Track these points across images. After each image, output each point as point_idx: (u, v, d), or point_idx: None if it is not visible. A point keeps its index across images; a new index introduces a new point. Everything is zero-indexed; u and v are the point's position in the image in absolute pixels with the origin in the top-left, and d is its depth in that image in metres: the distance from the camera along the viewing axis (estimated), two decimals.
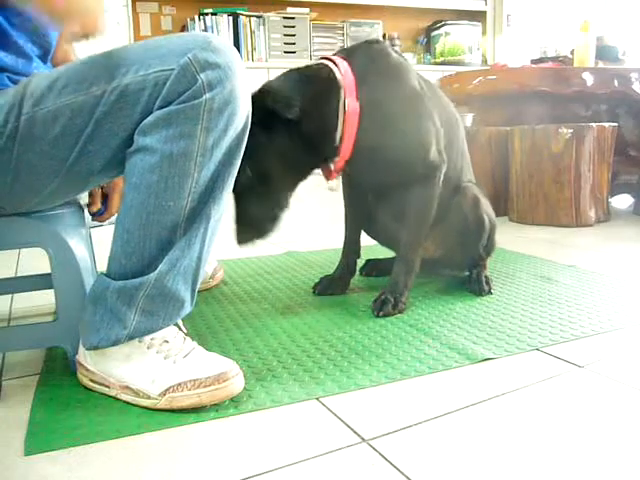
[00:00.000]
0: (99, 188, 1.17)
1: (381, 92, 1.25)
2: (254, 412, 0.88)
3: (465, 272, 1.56)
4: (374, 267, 1.68)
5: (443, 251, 1.52)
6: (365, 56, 1.27)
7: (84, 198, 1.19)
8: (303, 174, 1.28)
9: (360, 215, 1.53)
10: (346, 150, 1.25)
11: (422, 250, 1.52)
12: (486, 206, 1.49)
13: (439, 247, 1.53)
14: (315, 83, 1.22)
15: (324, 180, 1.36)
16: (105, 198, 1.19)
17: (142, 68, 0.83)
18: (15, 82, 0.94)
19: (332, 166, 1.30)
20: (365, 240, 1.56)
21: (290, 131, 1.18)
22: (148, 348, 0.91)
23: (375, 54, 1.29)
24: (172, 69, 0.82)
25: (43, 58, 1.06)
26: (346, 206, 1.52)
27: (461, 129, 1.51)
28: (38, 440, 0.80)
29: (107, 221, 1.20)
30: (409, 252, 1.36)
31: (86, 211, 1.18)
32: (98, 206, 1.17)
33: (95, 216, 1.19)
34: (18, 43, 0.96)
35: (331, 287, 1.49)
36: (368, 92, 1.23)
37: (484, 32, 5.13)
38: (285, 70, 1.26)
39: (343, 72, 1.22)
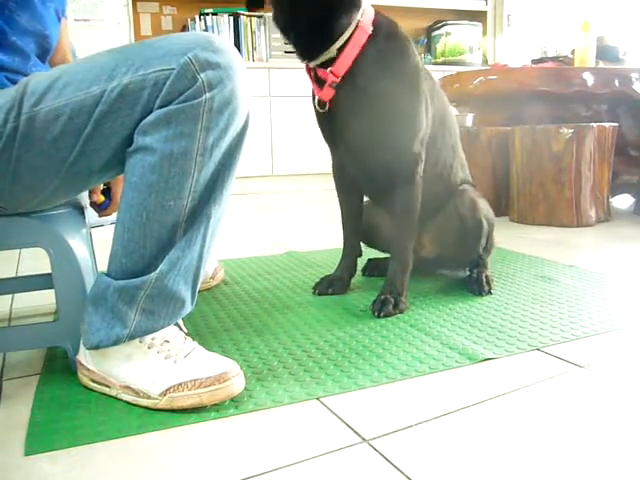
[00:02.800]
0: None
1: (387, 51, 1.28)
2: (255, 412, 0.88)
3: (466, 272, 1.56)
4: (375, 267, 1.68)
5: (442, 251, 1.52)
6: (388, 22, 1.32)
7: (85, 198, 1.19)
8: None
9: (355, 214, 1.52)
10: (343, 64, 1.23)
11: (421, 249, 1.52)
12: (484, 208, 1.49)
13: (438, 246, 1.52)
14: None
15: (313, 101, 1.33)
16: (109, 191, 1.19)
17: (142, 67, 0.83)
18: (14, 82, 0.94)
19: (328, 73, 1.25)
20: None
21: None
22: (149, 348, 0.91)
23: (397, 28, 1.34)
24: (172, 69, 0.82)
25: (41, 58, 1.06)
26: (341, 205, 1.51)
27: (453, 122, 1.49)
28: (38, 440, 0.80)
29: (109, 221, 1.20)
30: (401, 251, 1.37)
31: (87, 211, 1.18)
32: (99, 195, 1.17)
33: (100, 209, 1.20)
34: (15, 42, 0.96)
35: (331, 287, 1.49)
36: (377, 41, 1.26)
37: (485, 32, 5.13)
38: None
39: (367, 8, 1.27)
